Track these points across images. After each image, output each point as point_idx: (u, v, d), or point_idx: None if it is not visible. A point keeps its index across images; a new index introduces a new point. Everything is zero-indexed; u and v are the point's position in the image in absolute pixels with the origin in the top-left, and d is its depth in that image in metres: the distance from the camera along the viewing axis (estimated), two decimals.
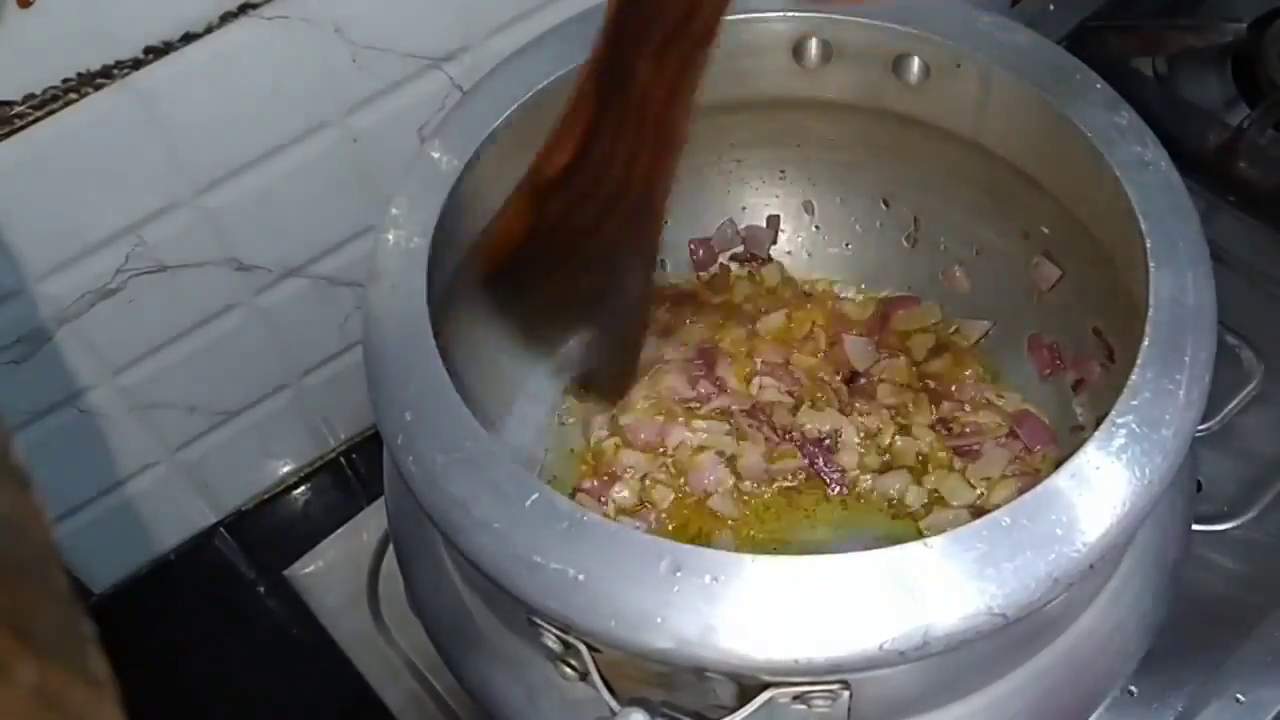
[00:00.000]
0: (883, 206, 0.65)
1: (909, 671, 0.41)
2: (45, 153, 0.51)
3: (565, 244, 0.47)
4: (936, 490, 0.60)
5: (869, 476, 0.61)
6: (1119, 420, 0.42)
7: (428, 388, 0.45)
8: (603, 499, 0.61)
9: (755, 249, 0.68)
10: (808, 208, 0.67)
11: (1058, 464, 0.41)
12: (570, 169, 0.44)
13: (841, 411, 0.62)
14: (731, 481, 0.61)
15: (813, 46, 0.57)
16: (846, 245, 0.67)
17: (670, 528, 0.60)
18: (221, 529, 0.73)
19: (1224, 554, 0.65)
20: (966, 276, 0.64)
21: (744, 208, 0.67)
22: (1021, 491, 0.44)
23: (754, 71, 0.58)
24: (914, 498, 0.60)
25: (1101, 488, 0.40)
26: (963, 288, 0.65)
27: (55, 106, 0.50)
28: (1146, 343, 0.43)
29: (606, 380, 0.60)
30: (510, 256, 0.48)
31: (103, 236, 0.56)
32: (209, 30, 0.53)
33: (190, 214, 0.58)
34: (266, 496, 0.74)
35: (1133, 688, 0.59)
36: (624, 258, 0.49)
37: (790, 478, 0.61)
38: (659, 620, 0.38)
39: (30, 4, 0.47)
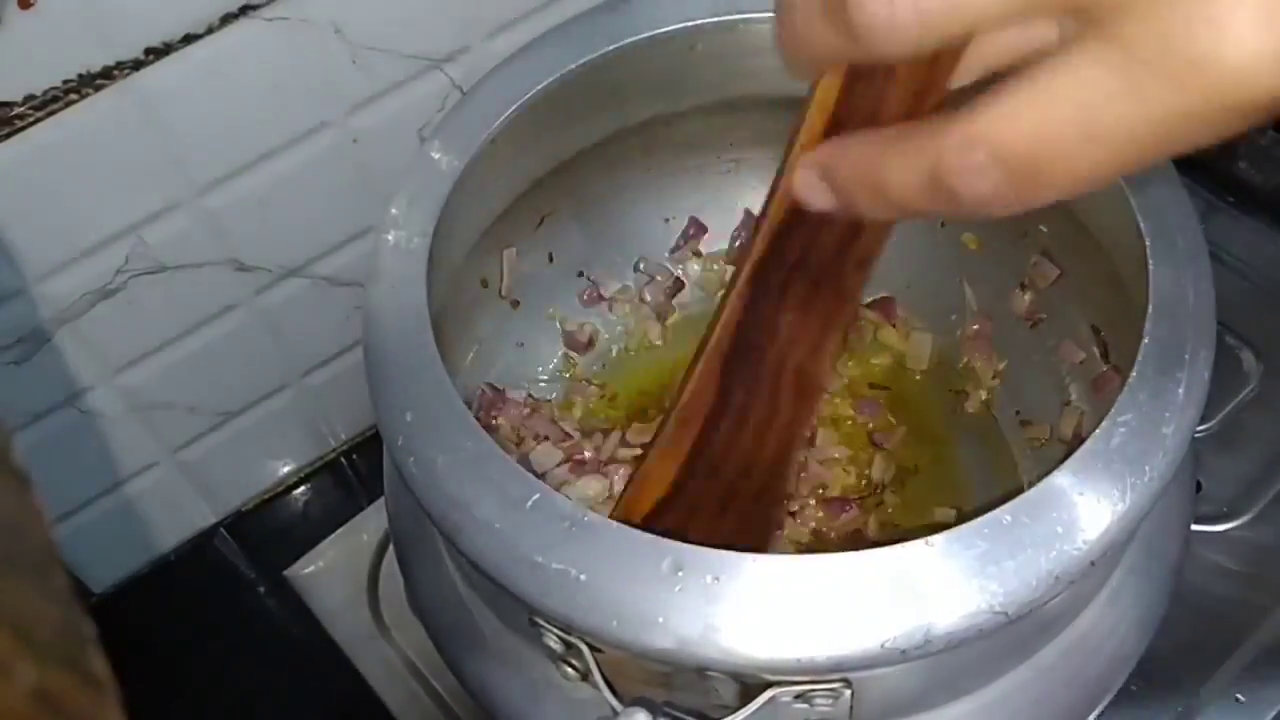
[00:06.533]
0: None
1: (911, 670, 0.41)
2: (45, 153, 0.51)
3: (699, 521, 0.45)
4: None
5: None
6: (1119, 419, 0.42)
7: (428, 388, 0.45)
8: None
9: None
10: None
11: (1060, 462, 0.41)
12: (687, 468, 0.43)
13: None
14: None
15: None
16: None
17: None
18: (221, 529, 0.73)
19: (1224, 554, 0.65)
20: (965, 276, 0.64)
21: (744, 208, 0.67)
22: None
23: (754, 71, 0.58)
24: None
25: (1102, 486, 0.40)
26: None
27: (55, 107, 0.50)
28: (1146, 342, 0.43)
29: None
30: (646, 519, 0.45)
31: (103, 236, 0.56)
32: (209, 31, 0.53)
33: (190, 214, 0.58)
34: (266, 496, 0.74)
35: (1133, 687, 0.59)
36: (757, 518, 0.46)
37: None
38: (661, 620, 0.38)
39: (31, 5, 0.47)
